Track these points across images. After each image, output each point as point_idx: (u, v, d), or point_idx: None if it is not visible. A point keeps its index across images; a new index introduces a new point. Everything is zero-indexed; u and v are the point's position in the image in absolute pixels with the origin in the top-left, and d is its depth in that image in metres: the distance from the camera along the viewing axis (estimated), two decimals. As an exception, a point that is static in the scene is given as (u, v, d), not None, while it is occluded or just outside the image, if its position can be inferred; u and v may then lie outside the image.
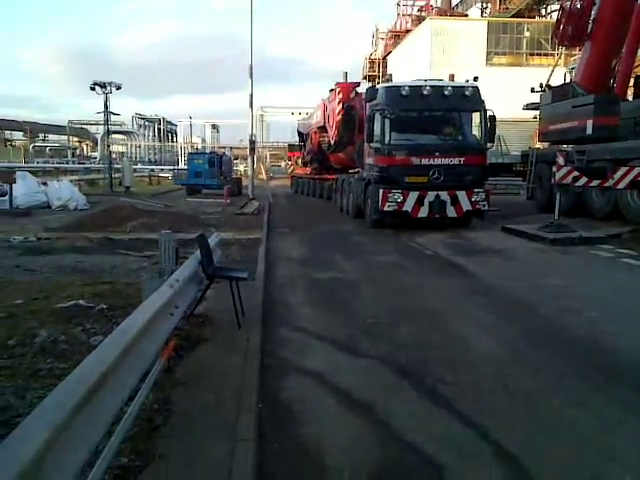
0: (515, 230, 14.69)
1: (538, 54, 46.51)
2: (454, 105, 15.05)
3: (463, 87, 15.31)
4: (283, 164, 69.64)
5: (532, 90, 20.36)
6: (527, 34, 47.00)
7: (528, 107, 21.38)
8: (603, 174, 13.83)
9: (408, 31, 56.81)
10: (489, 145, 15.54)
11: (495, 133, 15.53)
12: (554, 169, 14.19)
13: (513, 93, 39.62)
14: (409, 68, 45.78)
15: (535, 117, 28.88)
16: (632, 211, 14.74)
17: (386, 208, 14.88)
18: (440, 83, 15.66)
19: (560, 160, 14.12)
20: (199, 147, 70.90)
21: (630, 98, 17.84)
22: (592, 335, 6.33)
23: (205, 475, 3.47)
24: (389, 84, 16.27)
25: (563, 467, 3.70)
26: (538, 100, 20.42)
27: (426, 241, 13.68)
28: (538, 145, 22.81)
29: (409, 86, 15.19)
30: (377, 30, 66.60)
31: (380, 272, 10.10)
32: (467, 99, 15.08)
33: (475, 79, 15.69)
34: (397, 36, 59.93)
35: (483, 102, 15.27)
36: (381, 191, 14.86)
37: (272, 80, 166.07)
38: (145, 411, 4.06)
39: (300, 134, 35.04)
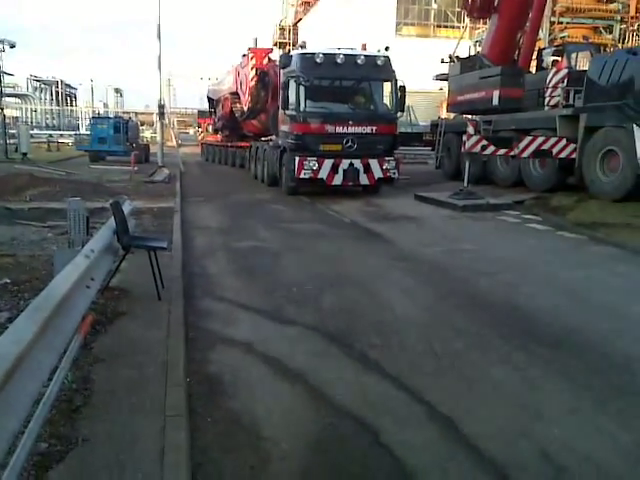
0: (426, 198, 15.09)
1: (445, 26, 47.64)
2: (367, 74, 15.26)
3: (375, 57, 15.49)
4: (192, 131, 67.62)
5: (442, 61, 20.87)
6: (435, 6, 47.93)
7: (438, 78, 21.81)
8: (509, 143, 14.37)
9: None
10: (399, 115, 15.94)
11: (405, 103, 15.91)
12: (464, 138, 14.57)
13: (421, 64, 40.63)
14: (319, 36, 45.55)
15: (442, 88, 29.72)
16: (534, 179, 15.49)
17: (302, 176, 15.01)
18: (353, 52, 15.76)
19: (470, 129, 14.54)
20: (101, 112, 67.20)
21: (533, 70, 18.57)
22: (508, 297, 6.57)
23: (136, 455, 3.25)
24: (303, 51, 16.09)
25: (494, 425, 3.79)
26: (447, 71, 20.89)
27: (342, 209, 13.78)
28: (446, 115, 23.39)
29: (323, 54, 15.20)
30: None
31: (300, 240, 10.04)
32: (379, 68, 15.32)
33: (386, 49, 15.86)
34: (307, 3, 59.37)
35: (394, 72, 15.55)
36: (297, 159, 14.96)
37: (180, 47, 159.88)
38: (64, 392, 3.75)
39: (210, 100, 33.79)
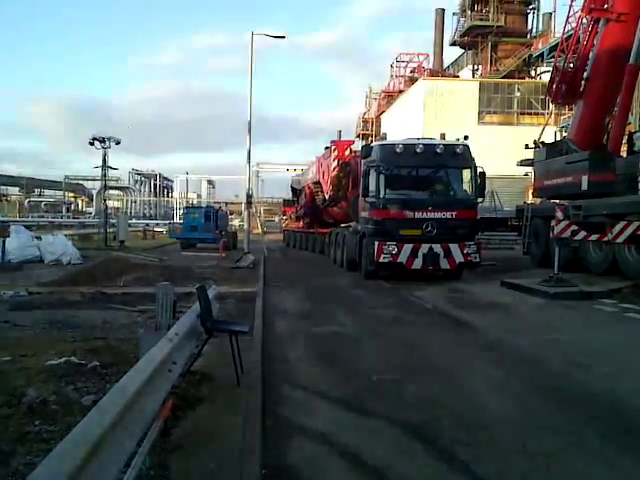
0: (514, 284, 14.56)
1: (529, 113, 47.83)
2: (445, 162, 15.69)
3: (454, 145, 15.91)
4: (277, 219, 69.99)
5: (526, 147, 20.64)
6: (518, 94, 48.38)
7: (522, 163, 21.60)
8: (601, 229, 13.79)
9: (401, 91, 58.42)
10: (479, 200, 16.21)
11: (485, 189, 16.25)
12: (552, 223, 14.15)
13: (505, 150, 40.59)
14: (402, 127, 46.87)
15: (527, 174, 29.31)
16: (631, 266, 14.62)
17: (381, 260, 15.18)
18: (432, 142, 16.38)
19: (559, 214, 14.13)
20: (195, 202, 71.25)
21: (624, 154, 18.01)
22: (607, 392, 6.05)
23: None
24: (384, 142, 17.04)
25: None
26: (531, 157, 20.57)
27: (425, 295, 13.56)
28: (532, 200, 22.90)
29: (403, 144, 15.87)
30: (370, 90, 68.62)
31: (381, 326, 9.87)
32: (458, 156, 15.68)
33: (465, 138, 16.23)
34: (390, 96, 61.60)
35: (473, 159, 15.86)
36: (376, 243, 15.22)
37: (268, 138, 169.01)
38: (141, 478, 3.73)
39: (294, 190, 35.66)
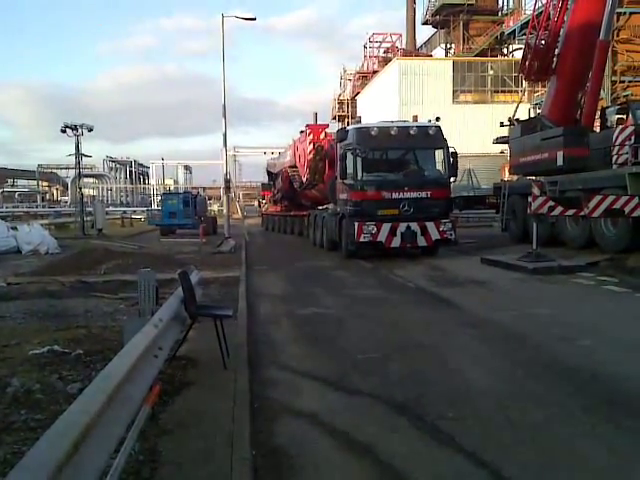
0: (494, 261, 14.68)
1: (502, 91, 47.91)
2: (418, 143, 16.28)
3: (426, 127, 16.49)
4: (256, 203, 69.68)
5: (501, 124, 20.86)
6: (491, 72, 48.48)
7: (498, 141, 21.85)
8: (577, 204, 13.95)
9: (375, 72, 58.05)
10: (452, 179, 16.81)
11: (457, 168, 16.85)
12: (530, 199, 14.27)
13: (480, 129, 40.85)
14: (377, 108, 46.77)
15: (502, 151, 29.57)
16: (607, 239, 14.86)
17: (362, 239, 15.65)
18: (405, 124, 16.98)
19: (535, 190, 14.26)
20: (172, 188, 70.48)
21: (597, 130, 18.20)
22: (590, 364, 6.16)
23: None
24: (359, 125, 17.16)
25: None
26: (506, 134, 20.75)
27: (406, 273, 13.60)
28: (508, 177, 23.08)
29: (377, 127, 16.38)
30: (345, 71, 68.07)
31: (365, 306, 9.88)
32: (430, 137, 16.26)
33: (437, 119, 16.66)
34: (364, 77, 61.25)
35: (445, 140, 16.35)
36: (356, 224, 15.62)
37: (245, 121, 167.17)
38: (131, 463, 3.71)
39: (269, 173, 35.72)
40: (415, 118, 17.65)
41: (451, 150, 16.17)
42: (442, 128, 16.48)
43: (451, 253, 16.62)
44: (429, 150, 16.56)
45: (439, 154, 16.46)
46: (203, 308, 6.71)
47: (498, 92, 47.79)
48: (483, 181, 32.04)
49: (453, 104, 46.16)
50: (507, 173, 23.65)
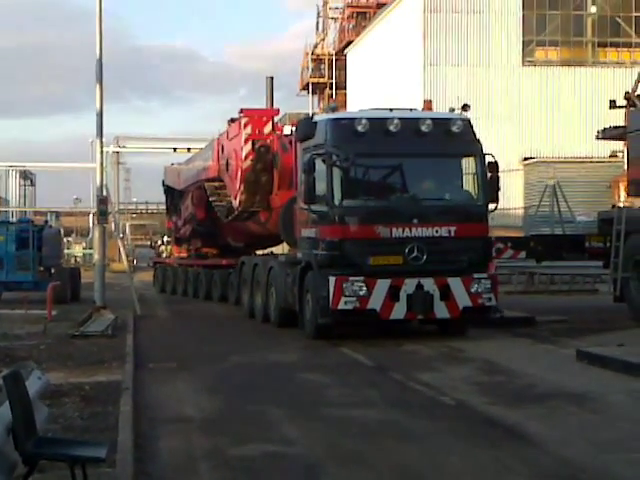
0: (600, 356, 10.84)
1: (612, 44, 33.03)
2: (436, 147, 12.80)
3: (448, 120, 12.93)
4: (158, 242, 46.69)
5: (612, 105, 15.34)
6: (593, 9, 32.87)
7: (605, 135, 16.31)
8: None
9: (381, 5, 40.31)
10: (491, 206, 13.07)
11: (499, 188, 12.83)
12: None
13: (572, 112, 30.29)
14: (384, 71, 35.47)
15: (614, 153, 22.35)
16: None
17: (342, 306, 11.93)
18: (413, 114, 13.54)
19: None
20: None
21: None
22: None
23: None
24: (335, 115, 13.63)
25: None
26: (621, 123, 15.15)
27: (437, 377, 9.87)
28: (626, 201, 16.75)
29: (367, 118, 12.68)
30: (326, 4, 46.61)
31: (358, 442, 6.71)
32: (455, 138, 12.70)
33: (464, 108, 13.08)
34: (362, 14, 42.90)
35: (479, 141, 12.93)
36: (333, 279, 12.01)
37: (142, 91, 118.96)
38: None
39: (169, 190, 26.35)
40: (428, 105, 14.06)
41: (488, 159, 12.72)
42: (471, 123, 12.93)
43: (521, 339, 12.85)
44: (453, 159, 13.06)
45: (469, 165, 12.89)
46: (50, 444, 4.85)
47: (606, 46, 32.83)
48: (579, 207, 24.33)
49: (524, 66, 31.81)
50: (624, 193, 17.57)
